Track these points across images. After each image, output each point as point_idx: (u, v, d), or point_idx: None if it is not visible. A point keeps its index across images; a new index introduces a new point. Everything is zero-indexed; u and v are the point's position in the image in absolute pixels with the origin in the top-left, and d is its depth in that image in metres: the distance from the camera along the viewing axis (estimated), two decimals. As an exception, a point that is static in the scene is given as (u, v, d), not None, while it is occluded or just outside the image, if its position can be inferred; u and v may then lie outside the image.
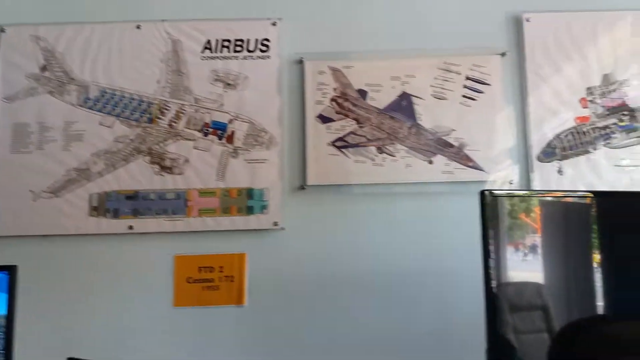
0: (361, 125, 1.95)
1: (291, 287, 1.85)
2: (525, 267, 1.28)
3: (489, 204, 1.22)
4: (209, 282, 1.86)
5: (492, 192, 1.23)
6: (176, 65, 1.97)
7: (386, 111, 1.96)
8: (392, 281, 1.84)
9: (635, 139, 1.92)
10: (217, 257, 1.87)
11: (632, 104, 1.94)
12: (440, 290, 1.83)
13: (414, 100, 1.95)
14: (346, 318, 1.83)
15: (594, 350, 1.28)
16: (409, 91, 1.96)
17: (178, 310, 1.86)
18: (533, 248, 1.29)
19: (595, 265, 1.32)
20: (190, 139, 1.93)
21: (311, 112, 1.95)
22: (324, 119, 1.95)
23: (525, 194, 1.30)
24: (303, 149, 1.92)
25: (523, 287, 1.37)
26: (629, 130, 1.93)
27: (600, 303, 1.32)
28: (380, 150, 1.94)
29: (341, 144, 1.94)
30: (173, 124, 1.94)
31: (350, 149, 1.94)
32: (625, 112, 1.94)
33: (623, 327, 1.34)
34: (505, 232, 1.25)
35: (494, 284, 1.16)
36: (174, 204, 1.89)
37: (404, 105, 1.96)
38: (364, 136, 1.94)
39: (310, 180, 1.91)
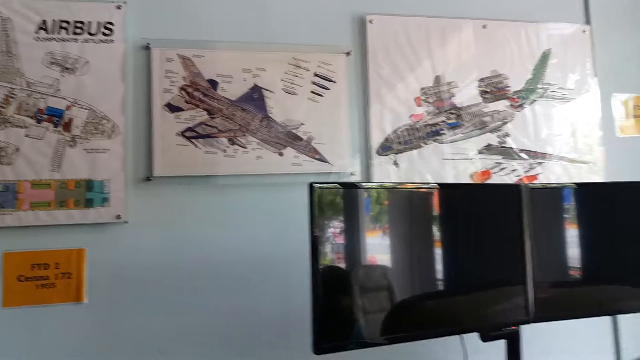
0: (212, 116, 1.94)
1: (135, 282, 1.80)
2: (374, 250, 1.38)
3: (317, 194, 1.30)
4: (44, 279, 1.74)
5: (320, 184, 1.31)
6: (5, 46, 1.80)
7: (238, 103, 1.97)
8: (240, 270, 1.88)
9: (459, 135, 2.16)
10: (53, 253, 1.75)
11: (458, 104, 2.18)
12: (287, 277, 1.91)
13: (265, 93, 1.99)
14: (194, 310, 1.83)
15: (418, 322, 1.44)
16: (260, 84, 1.99)
17: (8, 311, 1.72)
18: (378, 233, 1.40)
19: (434, 248, 1.47)
20: (21, 126, 1.78)
21: (158, 101, 1.89)
22: (172, 108, 1.91)
23: (349, 185, 1.41)
24: (149, 139, 1.87)
25: (370, 270, 1.49)
26: (454, 127, 2.16)
27: (438, 281, 1.47)
28: (231, 141, 1.95)
29: (191, 134, 1.92)
30: (1, 109, 1.77)
31: (200, 140, 1.92)
32: (452, 112, 2.17)
33: (445, 301, 1.52)
34: (351, 220, 1.35)
35: (320, 269, 1.25)
36: (2, 197, 1.73)
37: (255, 97, 1.99)
38: (215, 127, 1.94)
39: (157, 172, 1.86)
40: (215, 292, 1.86)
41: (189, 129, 1.92)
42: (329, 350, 1.27)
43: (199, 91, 1.94)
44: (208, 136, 1.93)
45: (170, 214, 1.86)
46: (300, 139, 2.00)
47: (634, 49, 2.39)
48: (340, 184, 1.37)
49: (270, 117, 1.99)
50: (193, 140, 1.92)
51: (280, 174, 1.97)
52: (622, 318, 1.90)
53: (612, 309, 1.69)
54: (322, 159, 2.02)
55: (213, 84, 1.95)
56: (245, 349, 1.85)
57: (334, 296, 1.29)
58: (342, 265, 1.32)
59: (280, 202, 1.94)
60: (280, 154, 1.98)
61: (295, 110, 2.01)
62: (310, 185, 1.30)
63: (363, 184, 1.42)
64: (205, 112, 1.94)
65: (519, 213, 1.52)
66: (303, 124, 2.01)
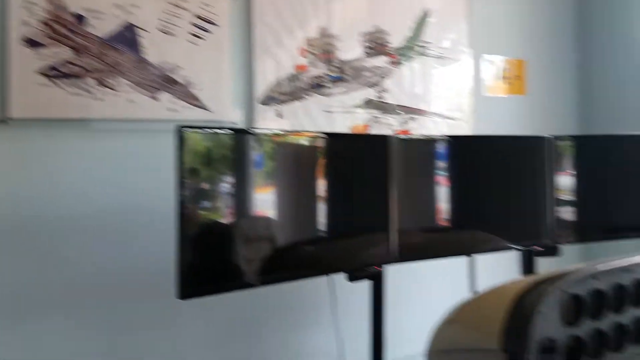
0: (79, 54, 1.79)
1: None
2: (258, 204, 1.37)
3: (187, 139, 1.26)
4: None
5: (190, 129, 1.26)
6: None
7: (108, 41, 1.83)
8: (105, 220, 1.79)
9: (342, 89, 2.20)
10: None
11: (341, 57, 2.20)
12: (159, 226, 1.84)
13: (139, 32, 1.86)
14: (55, 259, 1.73)
15: (290, 266, 1.48)
16: (133, 22, 1.86)
17: None
18: (258, 185, 1.39)
19: (318, 196, 1.49)
20: None
21: (15, 34, 1.70)
22: (32, 43, 1.72)
23: (228, 131, 1.38)
24: (3, 77, 1.68)
25: (253, 221, 1.48)
26: (337, 80, 2.19)
27: (311, 227, 1.51)
28: (100, 83, 1.81)
29: (54, 73, 1.76)
30: None
31: (65, 80, 1.77)
32: (335, 65, 2.19)
33: (317, 247, 1.57)
34: (228, 168, 1.31)
35: (185, 215, 1.23)
36: None
37: (127, 36, 1.86)
38: (82, 67, 1.79)
39: (15, 113, 1.69)
40: (78, 243, 1.76)
41: (52, 68, 1.75)
42: (195, 294, 1.26)
43: (64, 26, 1.76)
44: (74, 76, 1.78)
45: (28, 160, 1.71)
46: (178, 83, 1.91)
47: (508, 14, 2.55)
48: (213, 128, 1.34)
49: (144, 58, 1.87)
50: (56, 80, 1.75)
51: (154, 119, 1.88)
52: (478, 259, 2.09)
53: (469, 251, 1.86)
54: (202, 106, 1.95)
55: (80, 18, 1.79)
56: (112, 300, 1.78)
57: (200, 242, 1.28)
58: (210, 211, 1.30)
59: (153, 150, 1.86)
60: (155, 99, 1.88)
61: (172, 52, 1.91)
62: (179, 130, 1.25)
63: (237, 130, 1.40)
64: (70, 50, 1.77)
65: (385, 163, 1.59)
66: (181, 68, 1.92)
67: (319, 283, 1.62)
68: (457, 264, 1.93)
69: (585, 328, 1.01)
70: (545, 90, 2.63)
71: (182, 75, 1.92)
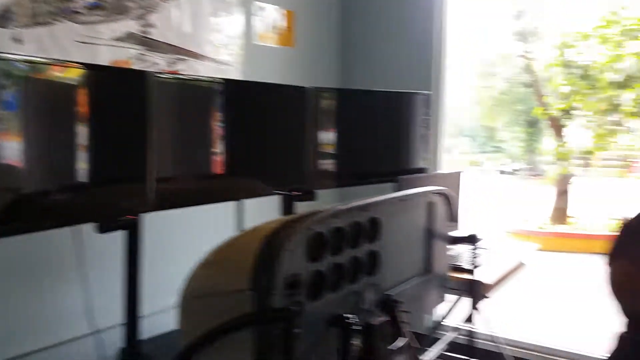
0: None
1: None
2: None
3: None
4: None
5: None
6: None
7: None
8: None
9: (98, 17, 1.95)
10: None
11: (99, -19, 1.94)
12: None
13: None
14: None
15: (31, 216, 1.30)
16: None
17: None
18: None
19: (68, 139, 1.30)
20: None
21: None
22: None
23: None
24: None
25: None
26: (94, 7, 1.93)
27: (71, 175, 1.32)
28: None
29: None
30: None
31: None
32: (92, -11, 1.92)
33: (64, 196, 1.39)
34: None
35: None
36: None
37: None
38: None
39: None
40: None
41: None
42: None
43: None
44: None
45: None
46: None
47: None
48: None
49: None
50: None
51: None
52: (245, 205, 2.14)
53: (233, 197, 1.88)
54: None
55: None
56: None
57: None
58: None
59: None
60: None
61: None
62: None
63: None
64: None
65: (143, 103, 1.46)
66: None
67: (67, 235, 1.45)
68: (225, 211, 1.95)
69: (326, 263, 1.11)
70: (311, 44, 2.76)
71: None
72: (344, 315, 1.10)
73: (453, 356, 2.25)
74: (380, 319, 1.16)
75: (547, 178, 10.39)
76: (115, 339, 1.64)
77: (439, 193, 1.53)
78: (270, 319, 0.92)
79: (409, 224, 1.42)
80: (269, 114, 1.93)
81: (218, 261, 1.11)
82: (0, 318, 1.70)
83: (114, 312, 1.56)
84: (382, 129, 2.37)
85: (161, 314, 2.07)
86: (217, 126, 1.74)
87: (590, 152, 7.66)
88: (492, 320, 2.10)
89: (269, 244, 1.00)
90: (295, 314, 0.94)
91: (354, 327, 1.08)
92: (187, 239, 2.17)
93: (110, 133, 1.40)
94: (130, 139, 1.44)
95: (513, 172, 13.14)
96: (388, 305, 1.25)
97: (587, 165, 8.38)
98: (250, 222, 1.20)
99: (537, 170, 12.68)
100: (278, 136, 1.94)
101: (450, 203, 1.58)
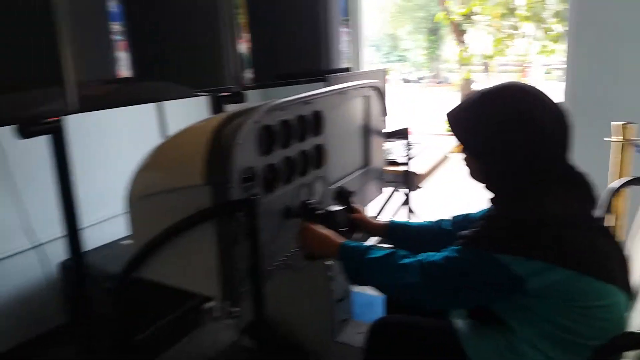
0: None
1: None
2: None
3: None
4: None
5: None
6: None
7: None
8: None
9: None
10: None
11: None
12: None
13: None
14: None
15: None
16: None
17: None
18: None
19: None
20: None
21: None
22: None
23: None
24: None
25: None
26: None
27: None
28: None
29: None
30: None
31: None
32: None
33: None
34: None
35: None
36: None
37: None
38: None
39: None
40: None
41: None
42: None
43: None
44: None
45: None
46: None
47: None
48: None
49: None
50: None
51: None
52: (166, 105, 2.03)
53: (157, 98, 1.77)
54: None
55: None
56: None
57: None
58: None
59: None
60: None
61: None
62: None
63: None
64: None
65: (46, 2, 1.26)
66: None
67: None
68: (146, 115, 1.84)
69: (277, 157, 1.08)
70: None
71: None
72: (307, 201, 1.12)
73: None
74: (336, 207, 1.17)
75: (451, 84, 10.82)
76: (60, 253, 1.56)
77: (373, 87, 1.52)
78: (233, 210, 0.90)
79: (348, 118, 1.41)
80: (188, 11, 1.78)
81: (162, 161, 1.04)
82: None
83: (54, 225, 1.45)
84: (305, 27, 2.29)
85: (104, 223, 1.97)
86: (134, 27, 1.57)
87: (489, 57, 8.00)
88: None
89: (219, 139, 0.95)
90: (256, 204, 0.92)
91: (316, 213, 1.09)
92: (114, 149, 2.05)
93: (16, 32, 1.21)
94: (41, 40, 1.25)
95: (418, 80, 13.50)
96: (342, 195, 1.27)
97: (486, 70, 8.81)
98: (177, 127, 1.13)
99: (441, 77, 13.14)
100: (192, 36, 1.80)
101: (383, 98, 1.59)
